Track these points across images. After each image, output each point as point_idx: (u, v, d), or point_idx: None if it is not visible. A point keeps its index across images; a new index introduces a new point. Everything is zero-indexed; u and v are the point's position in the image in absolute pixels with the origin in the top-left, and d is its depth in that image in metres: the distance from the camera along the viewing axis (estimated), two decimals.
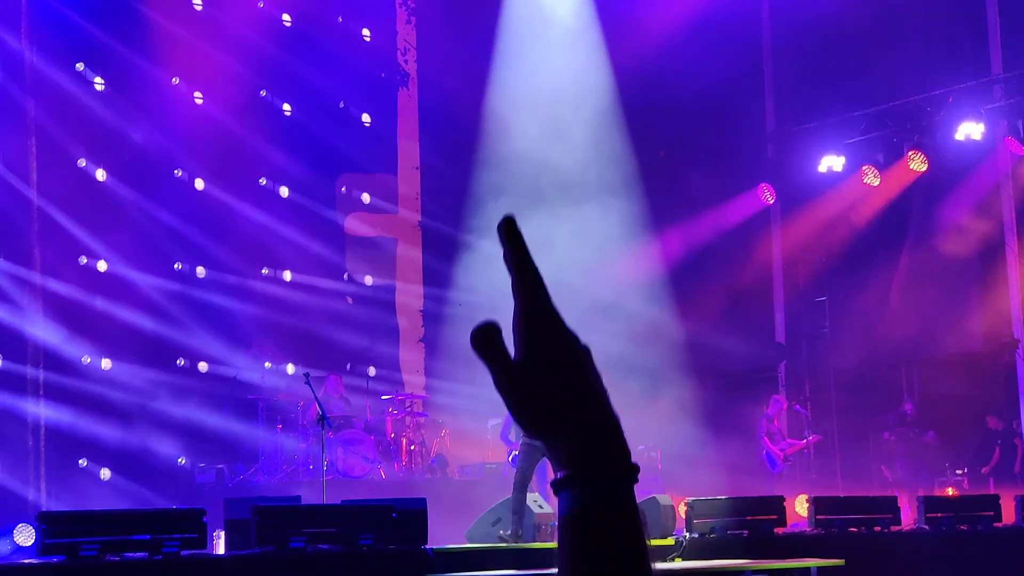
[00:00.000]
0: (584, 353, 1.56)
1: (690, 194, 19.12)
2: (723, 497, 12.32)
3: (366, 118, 19.33)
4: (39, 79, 16.41)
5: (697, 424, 18.44)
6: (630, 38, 18.02)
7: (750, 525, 11.79)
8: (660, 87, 18.07)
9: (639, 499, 1.61)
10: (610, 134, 18.84)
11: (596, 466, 1.52)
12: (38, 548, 8.72)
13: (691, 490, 14.63)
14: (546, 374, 1.52)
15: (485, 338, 1.52)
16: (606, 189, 18.57)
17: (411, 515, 10.08)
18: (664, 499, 12.12)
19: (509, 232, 1.54)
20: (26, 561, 9.30)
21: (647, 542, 1.52)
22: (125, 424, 16.44)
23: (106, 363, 16.60)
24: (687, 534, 11.47)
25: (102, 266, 16.85)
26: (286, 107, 18.55)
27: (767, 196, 19.18)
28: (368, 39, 19.16)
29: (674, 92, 17.94)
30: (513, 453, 15.44)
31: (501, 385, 1.53)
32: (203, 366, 17.43)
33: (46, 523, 8.72)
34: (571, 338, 1.54)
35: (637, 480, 1.55)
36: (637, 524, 1.52)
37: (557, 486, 1.54)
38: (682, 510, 11.80)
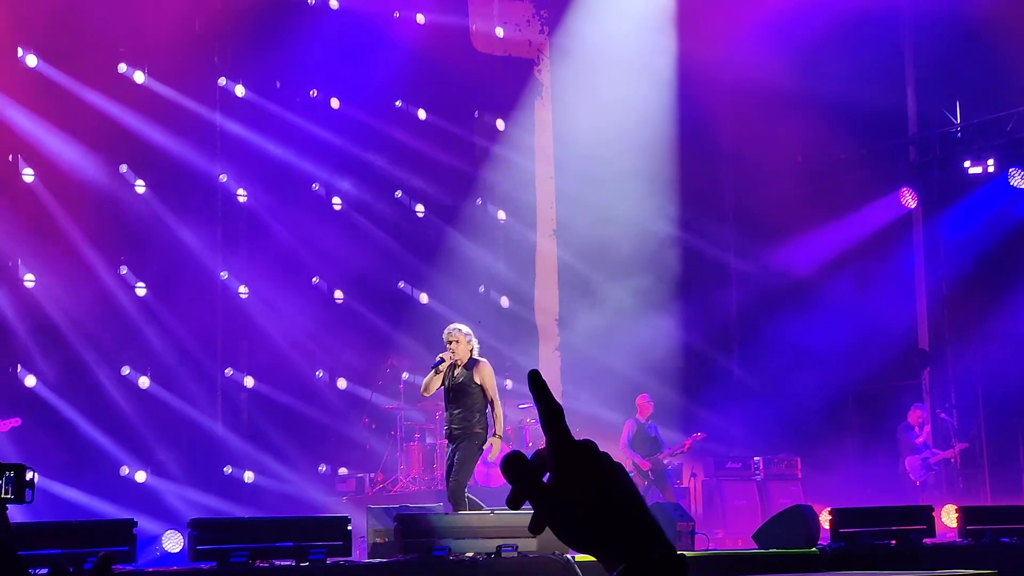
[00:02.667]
0: (614, 469, 1.74)
1: (829, 199, 18.84)
2: (869, 507, 12.07)
3: (500, 124, 19.48)
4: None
5: (837, 432, 18.11)
6: (775, 42, 17.79)
7: (897, 535, 11.53)
8: (799, 92, 17.83)
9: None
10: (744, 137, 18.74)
11: (647, 565, 1.69)
12: (190, 554, 8.93)
13: (831, 499, 14.40)
14: (580, 491, 1.71)
15: (514, 466, 1.72)
16: None
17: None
18: (807, 509, 11.93)
19: (535, 383, 1.75)
20: (176, 568, 9.53)
21: None
22: (275, 432, 16.83)
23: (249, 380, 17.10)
24: (832, 543, 11.27)
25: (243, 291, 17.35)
26: (421, 113, 18.82)
27: (908, 200, 18.76)
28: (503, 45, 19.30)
29: (814, 96, 17.70)
30: (634, 462, 15.39)
31: (538, 507, 1.72)
32: (342, 383, 17.73)
33: (198, 530, 8.92)
34: (599, 458, 1.74)
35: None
36: None
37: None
38: (826, 519, 11.59)
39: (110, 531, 8.87)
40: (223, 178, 17.36)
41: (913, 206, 18.96)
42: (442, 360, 10.83)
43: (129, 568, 8.71)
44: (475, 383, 10.79)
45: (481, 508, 10.71)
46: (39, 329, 16.00)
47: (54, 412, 15.86)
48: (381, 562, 9.77)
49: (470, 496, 10.85)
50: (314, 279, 18.05)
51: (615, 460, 1.77)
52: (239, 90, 17.57)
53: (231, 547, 8.94)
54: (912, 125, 19.33)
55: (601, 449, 1.77)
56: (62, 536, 8.78)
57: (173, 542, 14.49)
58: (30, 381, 16.20)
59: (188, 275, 16.81)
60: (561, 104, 19.45)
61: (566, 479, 1.72)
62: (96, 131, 16.13)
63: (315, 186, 18.09)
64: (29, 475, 5.55)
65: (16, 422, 13.21)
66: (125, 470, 16.58)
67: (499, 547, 9.72)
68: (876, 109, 18.61)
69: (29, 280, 16.07)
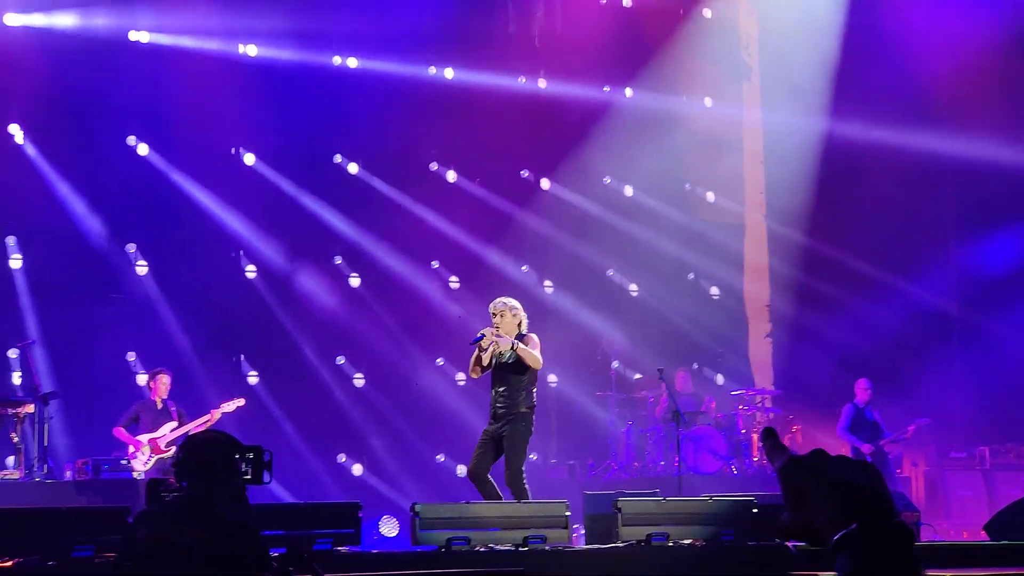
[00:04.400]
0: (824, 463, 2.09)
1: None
2: None
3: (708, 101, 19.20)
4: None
5: None
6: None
7: None
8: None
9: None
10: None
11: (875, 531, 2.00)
12: (412, 538, 9.04)
13: None
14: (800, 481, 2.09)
15: (775, 437, 2.19)
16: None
17: (772, 510, 9.83)
18: None
19: (767, 439, 2.18)
20: (399, 551, 9.66)
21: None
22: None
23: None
24: None
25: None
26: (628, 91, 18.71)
27: None
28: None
29: None
30: (854, 446, 14.97)
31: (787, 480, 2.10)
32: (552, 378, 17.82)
33: (420, 514, 9.03)
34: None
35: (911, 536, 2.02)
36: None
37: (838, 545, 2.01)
38: None
39: (336, 513, 9.06)
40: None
41: None
42: (482, 336, 10.04)
43: (355, 551, 8.88)
44: (521, 360, 10.07)
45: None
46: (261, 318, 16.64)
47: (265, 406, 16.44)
48: (597, 548, 9.71)
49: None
50: (523, 267, 18.14)
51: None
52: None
53: (452, 531, 9.02)
54: None
55: (819, 435, 1.87)
56: (290, 518, 9.01)
57: (389, 527, 14.75)
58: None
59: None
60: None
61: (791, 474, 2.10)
62: None
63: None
64: (267, 457, 5.66)
65: (240, 402, 13.61)
66: (342, 458, 17.01)
67: (719, 534, 9.59)
68: None
69: (251, 271, 16.76)
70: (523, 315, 10.20)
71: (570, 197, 18.31)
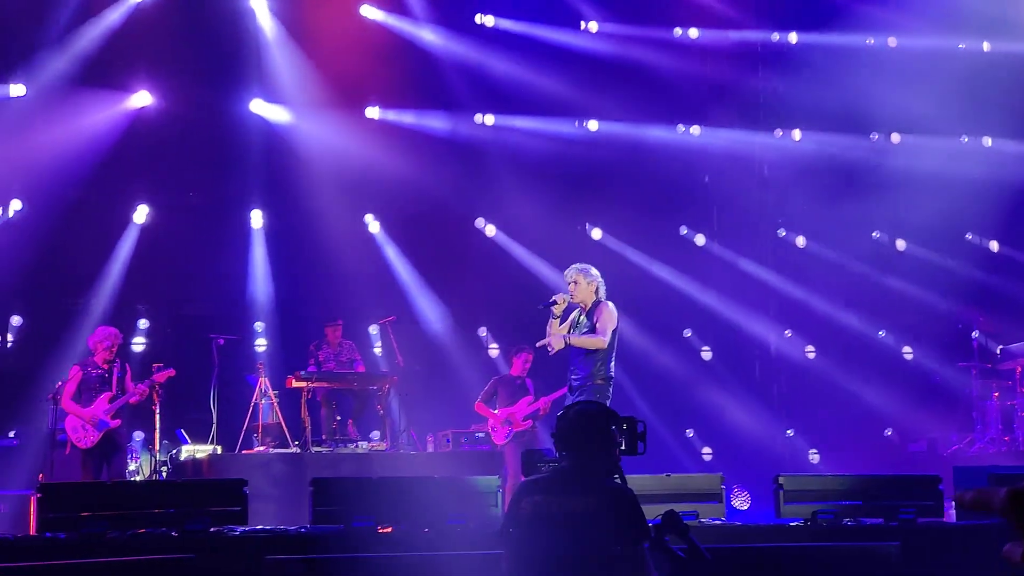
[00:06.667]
0: None
1: None
2: None
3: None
4: None
5: None
6: None
7: None
8: None
9: None
10: None
11: None
12: (777, 510, 8.92)
13: None
14: None
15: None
16: None
17: None
18: None
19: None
20: (762, 524, 9.53)
21: None
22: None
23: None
24: None
25: None
26: None
27: None
28: None
29: None
30: None
31: None
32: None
33: (784, 486, 8.89)
34: None
35: None
36: None
37: None
38: None
39: (702, 485, 9.13)
40: None
41: None
42: (554, 301, 9.40)
43: (717, 522, 8.85)
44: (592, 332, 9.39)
45: None
46: None
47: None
48: (968, 524, 9.25)
49: None
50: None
51: None
52: None
53: (818, 504, 8.83)
54: None
55: None
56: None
57: (741, 500, 14.63)
58: None
59: None
60: None
61: None
62: None
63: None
64: (640, 428, 5.65)
65: None
66: (690, 432, 16.99)
67: None
68: None
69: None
70: (599, 282, 9.55)
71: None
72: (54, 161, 15.04)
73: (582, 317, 9.52)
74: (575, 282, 9.48)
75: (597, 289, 9.51)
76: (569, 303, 9.50)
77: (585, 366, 9.31)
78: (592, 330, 9.36)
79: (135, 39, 15.33)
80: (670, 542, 5.17)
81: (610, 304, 9.44)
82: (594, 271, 9.54)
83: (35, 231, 15.06)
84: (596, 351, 9.26)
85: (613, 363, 9.39)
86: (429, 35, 16.63)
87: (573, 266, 9.61)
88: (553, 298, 9.45)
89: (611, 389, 9.34)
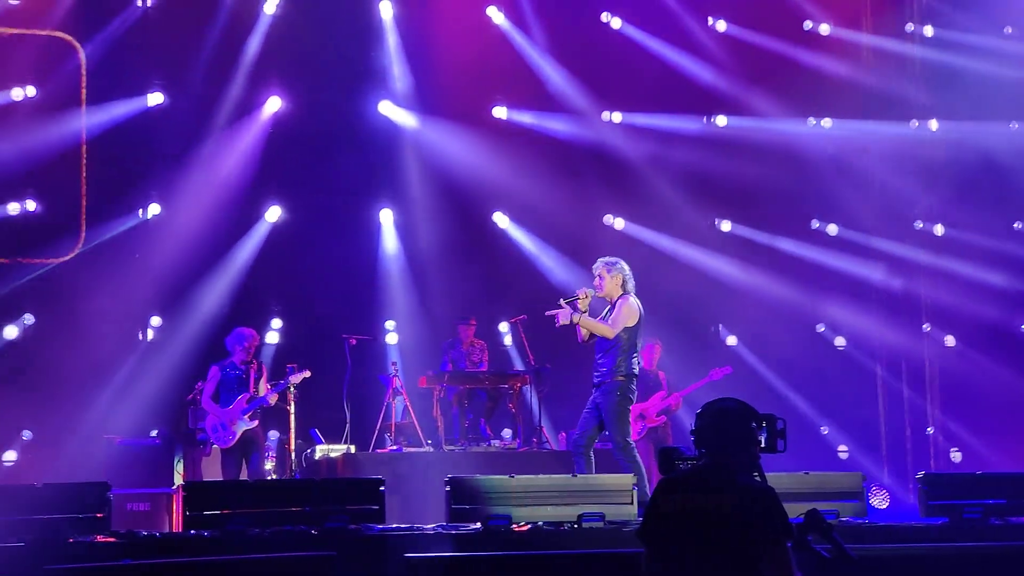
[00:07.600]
0: None
1: None
2: None
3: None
4: None
5: None
6: None
7: None
8: None
9: None
10: None
11: None
12: (921, 509, 8.74)
13: None
14: None
15: None
16: None
17: None
18: None
19: None
20: (907, 523, 9.36)
21: None
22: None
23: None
24: None
25: None
26: None
27: None
28: None
29: None
30: None
31: None
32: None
33: (928, 484, 8.71)
34: None
35: None
36: None
37: None
38: None
39: (842, 483, 9.03)
40: None
41: None
42: (577, 297, 9.53)
43: (857, 521, 8.73)
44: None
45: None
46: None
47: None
48: None
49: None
50: None
51: None
52: None
53: (963, 503, 8.64)
54: None
55: None
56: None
57: (879, 498, 14.44)
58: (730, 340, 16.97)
59: None
60: None
61: None
62: None
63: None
64: (780, 425, 5.56)
65: (728, 370, 13.70)
66: (825, 430, 16.74)
67: None
68: None
69: None
70: (625, 275, 9.65)
71: None
72: (190, 166, 15.42)
73: (605, 309, 9.73)
74: (599, 276, 9.68)
75: (624, 283, 9.66)
76: (595, 297, 9.68)
77: (606, 362, 9.49)
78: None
79: (270, 47, 15.70)
80: (813, 542, 5.08)
81: (632, 299, 9.58)
82: (622, 264, 9.70)
83: (173, 233, 15.40)
84: (616, 347, 9.42)
85: (635, 359, 9.55)
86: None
87: (600, 259, 9.80)
88: (577, 292, 9.67)
89: (634, 384, 9.53)
